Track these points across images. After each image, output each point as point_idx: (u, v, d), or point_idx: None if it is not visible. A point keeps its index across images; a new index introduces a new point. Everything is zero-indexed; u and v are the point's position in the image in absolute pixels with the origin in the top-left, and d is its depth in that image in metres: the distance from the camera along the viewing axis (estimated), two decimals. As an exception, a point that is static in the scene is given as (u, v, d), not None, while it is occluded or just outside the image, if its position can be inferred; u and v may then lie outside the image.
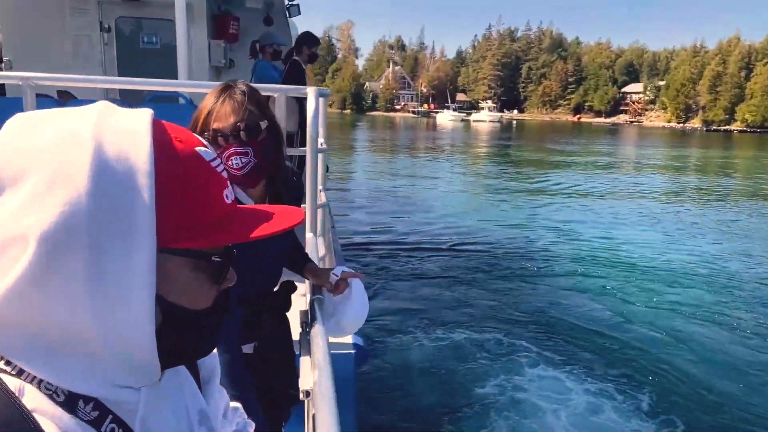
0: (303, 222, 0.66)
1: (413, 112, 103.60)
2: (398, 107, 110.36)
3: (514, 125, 76.87)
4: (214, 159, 0.62)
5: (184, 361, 0.70)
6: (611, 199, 16.82)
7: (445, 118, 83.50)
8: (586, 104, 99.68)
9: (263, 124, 1.45)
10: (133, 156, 0.54)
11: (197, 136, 0.63)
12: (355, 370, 2.28)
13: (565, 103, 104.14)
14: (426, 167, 23.87)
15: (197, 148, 0.60)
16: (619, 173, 24.56)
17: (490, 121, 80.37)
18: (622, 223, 13.32)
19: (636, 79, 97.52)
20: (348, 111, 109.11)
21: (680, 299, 7.95)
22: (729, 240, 11.81)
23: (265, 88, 1.74)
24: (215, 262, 0.62)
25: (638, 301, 7.77)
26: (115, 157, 0.53)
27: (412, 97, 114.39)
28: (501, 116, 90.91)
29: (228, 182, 0.64)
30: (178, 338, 0.62)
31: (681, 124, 76.46)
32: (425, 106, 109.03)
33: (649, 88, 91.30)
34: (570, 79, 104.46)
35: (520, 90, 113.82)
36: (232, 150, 1.41)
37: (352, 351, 2.25)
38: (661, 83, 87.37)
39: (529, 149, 36.16)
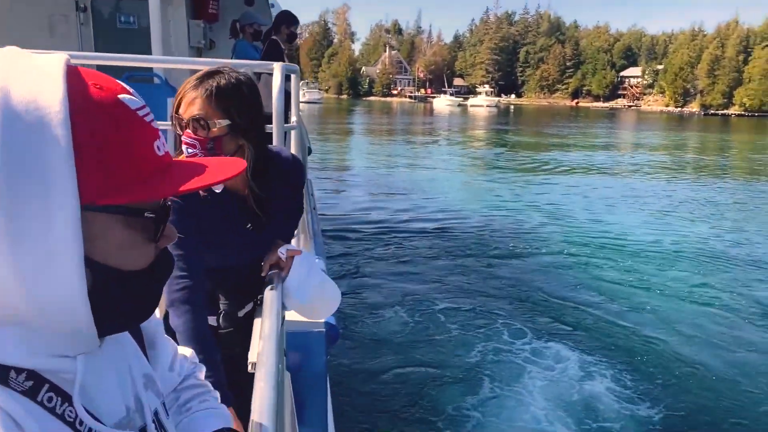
0: (243, 173, 0.61)
1: (410, 97, 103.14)
2: (395, 92, 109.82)
3: (512, 110, 76.61)
4: (141, 108, 0.58)
5: (126, 326, 0.66)
6: (607, 182, 16.82)
7: (443, 103, 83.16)
8: (584, 88, 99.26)
9: (219, 123, 1.40)
10: (46, 103, 0.49)
11: (121, 83, 0.58)
12: (326, 348, 2.26)
13: (563, 87, 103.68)
14: (422, 152, 23.82)
15: (120, 96, 0.56)
16: (616, 157, 24.52)
17: (488, 106, 79.99)
18: (617, 204, 13.36)
19: (634, 63, 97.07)
20: (344, 96, 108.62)
21: (671, 278, 7.97)
22: (724, 221, 11.81)
23: (234, 64, 1.70)
24: (148, 218, 0.58)
25: (628, 279, 7.80)
26: (25, 106, 0.49)
27: (408, 81, 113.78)
28: (498, 101, 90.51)
29: (158, 133, 0.60)
30: (115, 301, 0.58)
31: (679, 108, 76.23)
32: (422, 91, 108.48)
33: (647, 72, 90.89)
34: (568, 63, 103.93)
35: (518, 74, 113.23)
36: (184, 139, 1.40)
37: (323, 329, 2.23)
38: (660, 67, 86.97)
39: (526, 134, 36.07)
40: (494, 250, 9.11)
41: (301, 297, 1.70)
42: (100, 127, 0.53)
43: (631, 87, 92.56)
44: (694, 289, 7.67)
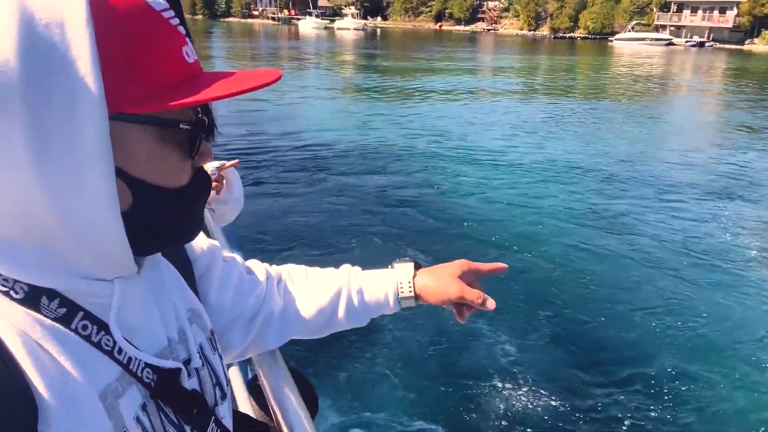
0: (280, 79, 0.59)
1: (273, 19, 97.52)
2: (256, 13, 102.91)
3: (379, 33, 75.90)
4: (166, 9, 0.54)
5: (165, 245, 0.63)
6: (472, 105, 17.62)
7: (308, 26, 79.82)
8: (447, 12, 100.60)
9: None
10: (65, 4, 0.46)
11: None
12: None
13: (427, 10, 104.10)
14: (292, 78, 22.95)
15: None
16: (479, 81, 25.58)
17: (355, 29, 78.30)
18: (481, 124, 14.20)
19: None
20: (199, 17, 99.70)
21: (527, 188, 8.78)
22: (568, 136, 13.06)
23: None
24: (184, 130, 0.55)
25: (489, 191, 8.47)
26: (43, 8, 0.45)
27: (270, 1, 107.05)
28: (365, 24, 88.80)
29: (186, 39, 0.56)
30: (154, 219, 0.56)
31: (532, 32, 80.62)
32: (285, 12, 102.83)
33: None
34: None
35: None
36: None
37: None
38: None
39: (396, 58, 36.11)
40: (358, 169, 9.47)
41: (238, 205, 1.81)
42: (127, 30, 0.49)
43: (490, 11, 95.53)
44: (551, 195, 8.53)
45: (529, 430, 3.84)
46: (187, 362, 0.65)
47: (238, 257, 0.90)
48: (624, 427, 3.90)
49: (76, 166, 0.47)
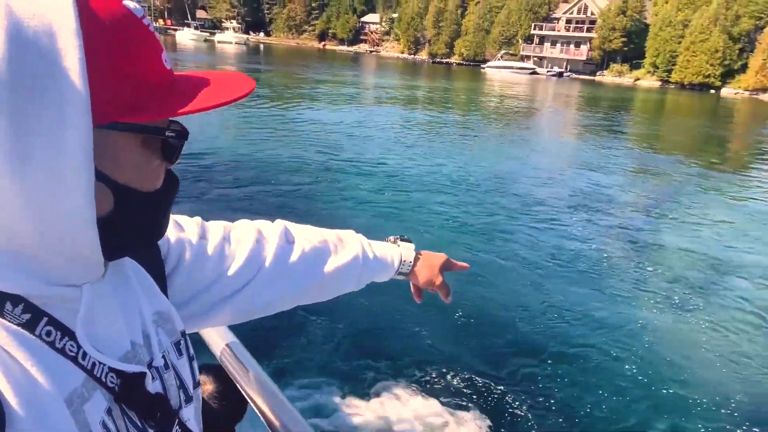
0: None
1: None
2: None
3: (262, 49, 74.97)
4: (144, 17, 0.54)
5: (137, 249, 0.63)
6: (355, 116, 18.10)
7: (186, 37, 76.66)
8: (330, 31, 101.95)
9: None
10: (54, 11, 0.46)
11: None
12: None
13: (310, 28, 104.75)
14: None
15: (125, 2, 0.53)
16: (363, 98, 26.26)
17: (237, 43, 76.64)
18: (364, 138, 14.62)
19: (373, 10, 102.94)
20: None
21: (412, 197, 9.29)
22: (451, 152, 13.96)
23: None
24: (169, 138, 0.56)
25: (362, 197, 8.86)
26: (31, 14, 0.45)
27: (144, 10, 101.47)
28: (247, 38, 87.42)
29: (162, 45, 0.57)
30: (133, 223, 0.57)
31: (412, 56, 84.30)
32: (161, 21, 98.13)
33: (384, 20, 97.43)
34: (314, 5, 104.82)
35: (265, 12, 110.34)
36: None
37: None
38: (395, 15, 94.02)
39: (279, 74, 35.92)
40: (254, 182, 9.48)
41: None
42: (114, 39, 0.50)
43: (372, 33, 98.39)
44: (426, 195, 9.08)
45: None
46: (150, 365, 0.65)
47: (219, 228, 0.90)
48: (508, 408, 4.31)
49: (58, 175, 0.46)
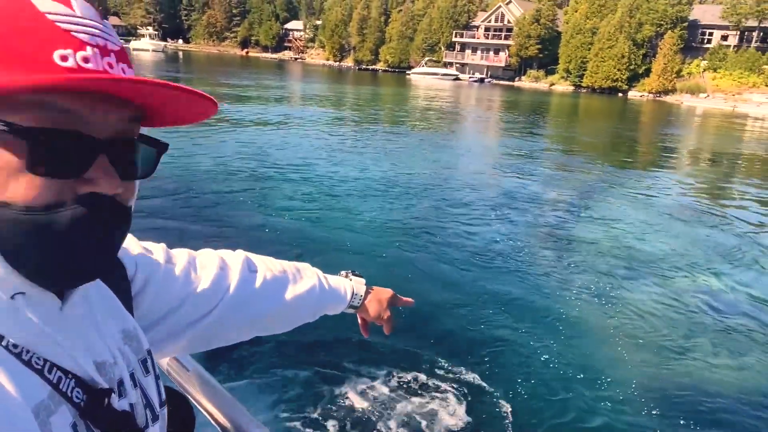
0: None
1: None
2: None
3: (181, 56, 72.62)
4: (55, 13, 0.51)
5: (58, 279, 0.55)
6: (284, 127, 17.92)
7: (99, 45, 72.96)
8: (253, 38, 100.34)
9: None
10: None
11: None
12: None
13: (232, 35, 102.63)
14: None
15: None
16: (289, 105, 26.03)
17: (153, 50, 73.90)
18: (293, 146, 14.53)
19: (296, 17, 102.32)
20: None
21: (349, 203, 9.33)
22: (380, 157, 14.13)
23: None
24: (15, 131, 0.48)
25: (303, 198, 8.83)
26: None
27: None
28: (165, 45, 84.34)
29: (83, 46, 0.51)
30: (17, 246, 0.50)
31: (338, 63, 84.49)
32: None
33: (308, 27, 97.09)
34: (234, 11, 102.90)
35: (183, 18, 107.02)
36: None
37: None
38: (318, 23, 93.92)
39: (202, 82, 34.93)
40: (177, 192, 9.20)
41: None
42: None
43: (296, 40, 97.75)
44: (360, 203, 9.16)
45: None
46: (119, 384, 0.64)
47: (183, 254, 0.90)
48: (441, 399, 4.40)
49: None
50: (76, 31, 0.51)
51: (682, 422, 4.55)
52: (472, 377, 4.85)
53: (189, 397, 1.18)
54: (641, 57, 59.75)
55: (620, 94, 60.05)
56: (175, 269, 0.86)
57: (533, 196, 11.67)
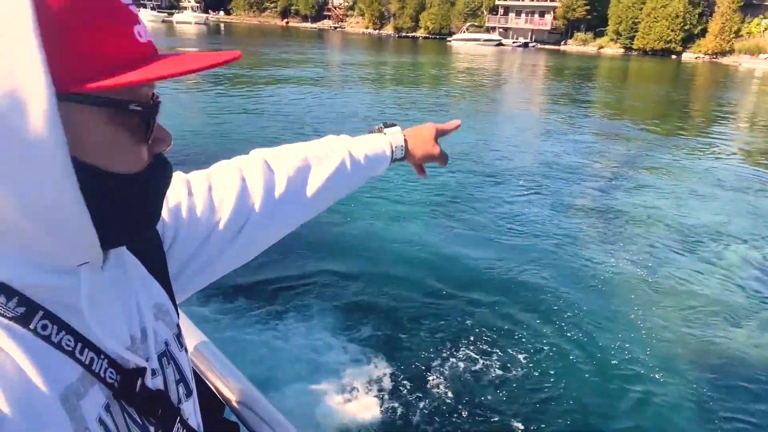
0: (237, 59, 0.58)
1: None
2: None
3: (223, 28, 73.13)
4: None
5: (128, 237, 0.60)
6: (325, 96, 17.91)
7: (144, 18, 72.78)
8: (293, 8, 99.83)
9: None
10: None
11: None
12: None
13: (272, 5, 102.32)
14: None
15: None
16: (328, 76, 25.94)
17: (196, 23, 74.54)
18: (335, 114, 14.52)
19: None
20: None
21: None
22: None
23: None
24: (134, 112, 0.53)
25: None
26: None
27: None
28: (207, 17, 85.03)
29: (139, 19, 0.55)
30: (110, 207, 0.53)
31: (377, 31, 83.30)
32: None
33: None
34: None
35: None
36: None
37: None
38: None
39: (245, 55, 35.12)
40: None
41: None
42: (72, 4, 0.47)
43: (335, 8, 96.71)
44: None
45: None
46: (149, 361, 0.63)
47: (202, 179, 0.88)
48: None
49: (28, 149, 0.44)
50: (127, 2, 0.53)
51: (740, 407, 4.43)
52: (516, 356, 4.83)
53: (215, 390, 1.18)
54: (697, 16, 56.48)
55: (674, 57, 57.14)
56: (196, 201, 0.83)
57: (576, 166, 11.34)
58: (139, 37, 0.53)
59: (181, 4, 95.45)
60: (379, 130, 1.12)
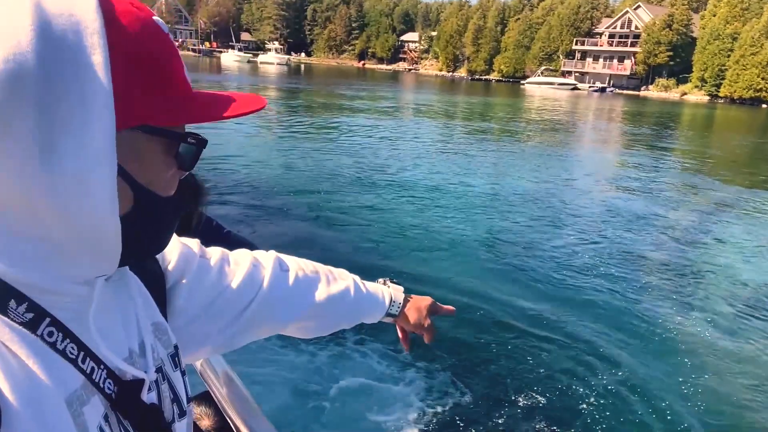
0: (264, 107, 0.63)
1: (194, 50, 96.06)
2: (176, 43, 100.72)
3: (303, 68, 76.64)
4: (169, 34, 0.58)
5: (143, 255, 0.64)
6: (392, 135, 18.13)
7: (231, 59, 79.31)
8: (369, 50, 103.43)
9: None
10: (80, 10, 0.48)
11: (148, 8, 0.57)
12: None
13: (350, 48, 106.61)
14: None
15: (154, 18, 0.56)
16: (399, 114, 26.36)
17: (278, 63, 78.69)
18: (405, 155, 14.61)
19: (412, 29, 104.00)
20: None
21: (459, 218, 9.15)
22: (489, 172, 13.78)
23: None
24: (191, 144, 0.58)
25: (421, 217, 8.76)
26: (59, 11, 0.47)
27: (191, 33, 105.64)
28: (289, 58, 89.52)
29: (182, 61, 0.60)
30: (148, 227, 0.58)
31: (450, 73, 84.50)
32: (207, 44, 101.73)
33: (423, 38, 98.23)
34: (354, 25, 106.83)
35: (307, 33, 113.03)
36: None
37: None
38: (434, 34, 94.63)
39: (318, 93, 36.53)
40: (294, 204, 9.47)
41: None
42: (143, 46, 0.52)
43: (411, 51, 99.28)
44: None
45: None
46: (155, 372, 0.65)
47: (217, 251, 0.91)
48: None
49: (83, 167, 0.48)
50: (177, 48, 0.59)
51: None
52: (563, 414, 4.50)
53: (215, 397, 1.22)
54: (792, 63, 53.29)
55: (764, 106, 53.94)
56: (209, 263, 0.86)
57: (647, 216, 10.70)
58: (188, 78, 0.59)
59: (266, 46, 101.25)
60: (384, 283, 1.16)
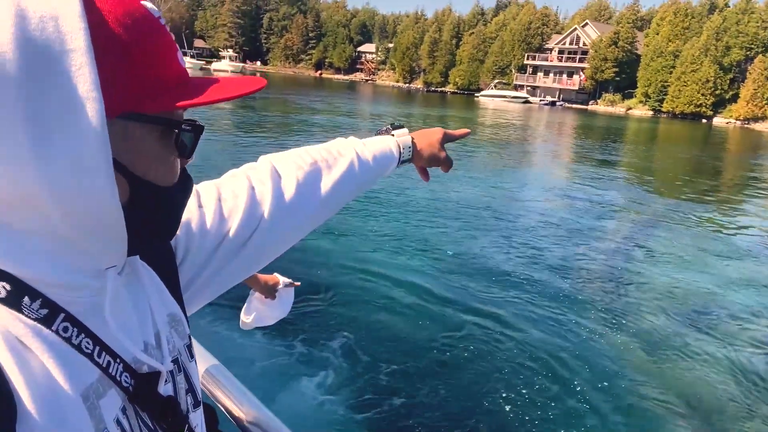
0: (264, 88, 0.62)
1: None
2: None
3: (258, 76, 75.78)
4: (160, 17, 0.56)
5: (146, 245, 0.64)
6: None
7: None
8: (327, 60, 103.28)
9: None
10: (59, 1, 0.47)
11: None
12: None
13: (307, 57, 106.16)
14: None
15: (143, 2, 0.55)
16: (358, 123, 26.32)
17: (232, 71, 77.70)
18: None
19: (369, 40, 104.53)
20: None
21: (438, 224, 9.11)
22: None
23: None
24: (186, 130, 0.57)
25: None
26: (38, 1, 0.46)
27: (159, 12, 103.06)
28: (244, 66, 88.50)
29: (177, 45, 0.58)
30: (148, 217, 0.57)
31: (407, 84, 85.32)
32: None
33: (380, 50, 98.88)
34: (310, 34, 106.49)
35: (263, 41, 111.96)
36: None
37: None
38: (390, 45, 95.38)
39: (275, 101, 36.12)
40: None
41: (258, 321, 1.86)
42: (129, 29, 0.51)
43: (368, 62, 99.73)
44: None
45: None
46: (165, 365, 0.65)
47: (211, 189, 0.87)
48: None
49: (76, 156, 0.47)
50: (168, 29, 0.57)
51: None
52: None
53: (214, 400, 1.22)
54: (728, 82, 56.37)
55: (704, 121, 56.76)
56: (206, 213, 0.83)
57: (594, 228, 10.97)
58: (181, 62, 0.58)
59: (220, 54, 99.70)
60: (387, 132, 1.12)
